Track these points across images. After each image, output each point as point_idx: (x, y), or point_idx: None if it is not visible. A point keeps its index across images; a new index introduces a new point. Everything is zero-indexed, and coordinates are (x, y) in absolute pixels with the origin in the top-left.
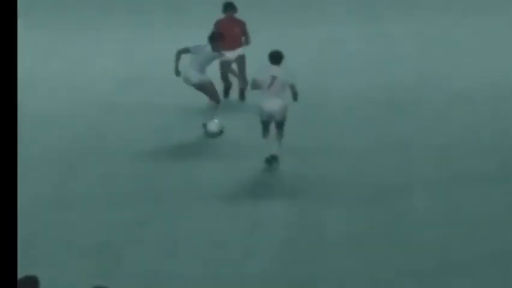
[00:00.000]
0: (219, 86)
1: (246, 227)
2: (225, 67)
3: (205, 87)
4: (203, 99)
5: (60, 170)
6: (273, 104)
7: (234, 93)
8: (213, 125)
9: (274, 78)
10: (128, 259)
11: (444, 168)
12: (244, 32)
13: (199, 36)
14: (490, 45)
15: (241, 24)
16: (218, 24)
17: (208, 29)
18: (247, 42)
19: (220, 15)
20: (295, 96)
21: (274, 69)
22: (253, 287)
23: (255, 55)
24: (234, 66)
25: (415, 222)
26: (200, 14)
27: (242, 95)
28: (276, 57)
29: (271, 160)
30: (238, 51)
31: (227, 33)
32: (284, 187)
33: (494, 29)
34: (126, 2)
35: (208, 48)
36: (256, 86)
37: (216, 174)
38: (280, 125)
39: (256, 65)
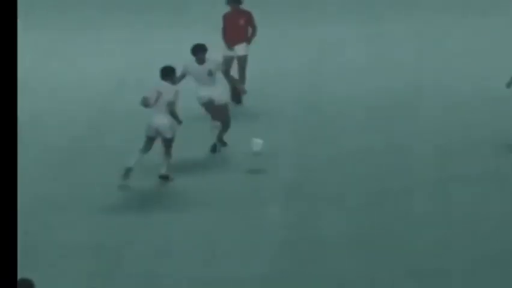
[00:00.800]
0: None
1: (245, 229)
2: (227, 62)
3: (213, 109)
4: None
5: (60, 170)
6: (159, 120)
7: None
8: (257, 145)
9: (159, 94)
10: (127, 260)
11: (444, 170)
12: (251, 23)
13: (200, 36)
14: (490, 45)
15: (247, 16)
16: (225, 17)
17: (209, 28)
18: (254, 34)
19: (221, 14)
20: (176, 118)
21: (162, 85)
22: None
23: (254, 55)
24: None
25: (415, 223)
26: (200, 14)
27: (238, 98)
28: (164, 73)
29: (163, 178)
30: (243, 46)
31: (232, 27)
32: (283, 189)
33: (494, 29)
34: (126, 2)
35: (195, 64)
36: (145, 101)
37: (216, 176)
38: (167, 144)
39: (256, 64)
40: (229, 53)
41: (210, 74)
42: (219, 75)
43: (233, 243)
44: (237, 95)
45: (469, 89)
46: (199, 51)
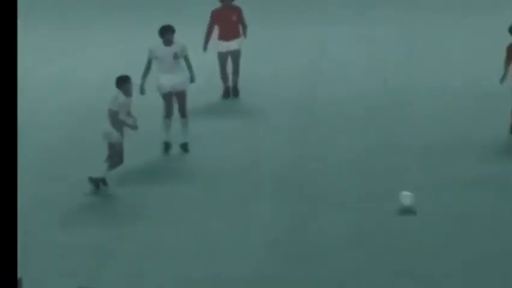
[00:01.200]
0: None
1: (237, 228)
2: (222, 59)
3: (169, 97)
4: (200, 98)
5: (60, 170)
6: (105, 127)
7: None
8: (407, 199)
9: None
10: (120, 259)
11: (443, 169)
12: (241, 20)
13: (199, 34)
14: (489, 46)
15: (239, 12)
16: (214, 13)
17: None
18: (244, 31)
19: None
20: (117, 126)
21: (114, 94)
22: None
23: (252, 54)
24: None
25: (412, 223)
26: (200, 12)
27: (235, 91)
28: (117, 82)
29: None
30: (237, 42)
31: (224, 23)
32: (276, 188)
33: (494, 29)
34: (126, 1)
35: (162, 46)
36: None
37: (210, 174)
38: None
39: (254, 64)
40: (223, 49)
41: (176, 56)
42: (183, 63)
43: (224, 243)
44: (234, 89)
45: (469, 89)
46: (166, 32)
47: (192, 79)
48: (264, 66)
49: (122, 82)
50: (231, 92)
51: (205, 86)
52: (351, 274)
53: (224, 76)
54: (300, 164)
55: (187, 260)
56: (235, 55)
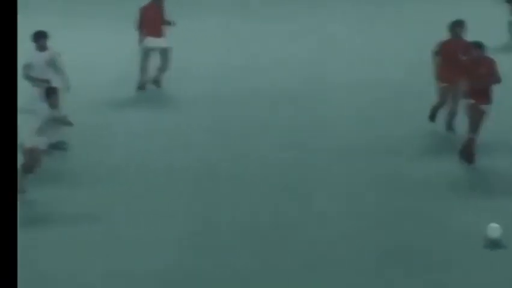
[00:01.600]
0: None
1: (151, 221)
2: (147, 54)
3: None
4: (116, 91)
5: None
6: None
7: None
8: (494, 231)
9: None
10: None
11: (353, 167)
12: (165, 17)
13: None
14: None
15: (164, 9)
16: (143, 10)
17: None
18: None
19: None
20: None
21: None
22: (158, 281)
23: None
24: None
25: (319, 218)
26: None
27: (157, 83)
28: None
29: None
30: (164, 39)
31: (152, 19)
32: (190, 180)
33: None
34: None
35: (37, 53)
36: None
37: (123, 168)
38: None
39: (178, 59)
40: (151, 44)
41: (49, 63)
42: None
43: (136, 237)
44: (155, 81)
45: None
46: (39, 37)
47: (67, 88)
48: (195, 62)
49: (51, 93)
50: (148, 84)
51: (120, 81)
52: (255, 268)
53: (144, 69)
54: (217, 153)
55: (107, 256)
56: (165, 53)
